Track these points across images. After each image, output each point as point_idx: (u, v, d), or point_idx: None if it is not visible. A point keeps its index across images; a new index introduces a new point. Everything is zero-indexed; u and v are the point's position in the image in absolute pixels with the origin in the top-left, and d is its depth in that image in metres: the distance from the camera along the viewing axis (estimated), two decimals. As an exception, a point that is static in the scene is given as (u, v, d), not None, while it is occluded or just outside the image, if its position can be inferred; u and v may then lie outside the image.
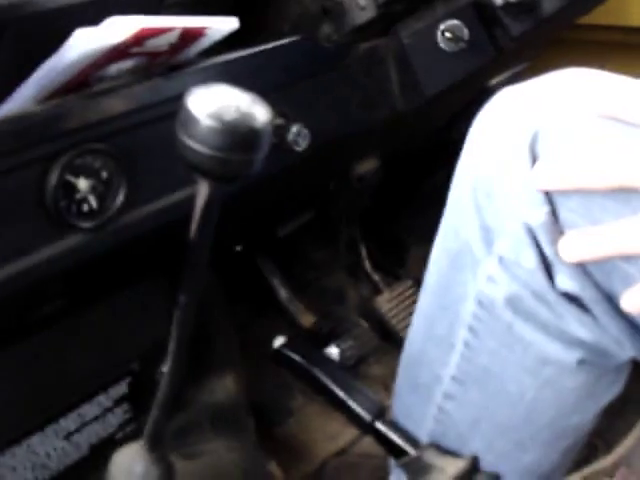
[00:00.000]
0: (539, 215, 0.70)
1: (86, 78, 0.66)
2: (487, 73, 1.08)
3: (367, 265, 1.46)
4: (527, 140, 0.71)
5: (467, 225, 0.79)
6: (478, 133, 0.80)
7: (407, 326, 0.93)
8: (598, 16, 1.30)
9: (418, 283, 1.50)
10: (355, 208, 1.12)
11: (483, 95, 1.13)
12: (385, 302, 1.37)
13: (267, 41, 0.82)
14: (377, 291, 1.44)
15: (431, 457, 0.93)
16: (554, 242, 0.69)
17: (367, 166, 1.04)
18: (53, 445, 0.87)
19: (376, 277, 1.45)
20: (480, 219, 0.77)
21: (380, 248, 1.52)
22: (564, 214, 0.69)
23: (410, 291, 1.40)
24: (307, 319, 1.31)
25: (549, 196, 0.70)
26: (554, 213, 0.70)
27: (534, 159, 0.71)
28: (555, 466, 0.90)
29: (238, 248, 1.22)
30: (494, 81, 1.14)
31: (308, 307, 1.35)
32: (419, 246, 1.53)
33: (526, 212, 0.71)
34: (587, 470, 1.14)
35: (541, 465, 0.89)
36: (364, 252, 1.46)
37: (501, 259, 0.75)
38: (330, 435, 1.30)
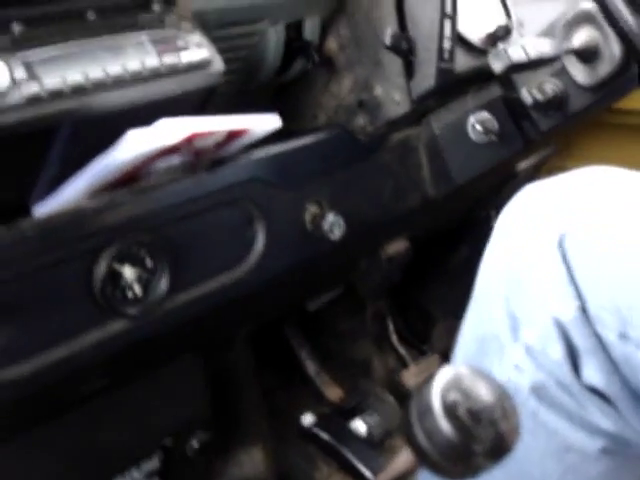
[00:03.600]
0: (569, 310, 0.72)
1: (136, 173, 0.69)
2: (515, 160, 1.11)
3: (394, 338, 1.47)
4: (555, 239, 0.74)
5: (494, 313, 0.81)
6: (507, 225, 0.82)
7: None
8: (627, 101, 1.32)
9: (445, 358, 1.52)
10: (384, 286, 1.14)
11: (510, 178, 1.17)
12: (411, 376, 1.38)
13: (303, 133, 0.86)
14: (403, 365, 1.45)
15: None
16: (584, 337, 0.71)
17: (397, 247, 1.07)
18: (87, 517, 0.89)
19: (402, 350, 1.46)
20: (508, 308, 0.79)
21: (407, 321, 1.54)
22: (595, 310, 0.71)
23: (436, 366, 1.41)
24: (333, 392, 1.32)
25: (579, 292, 0.72)
26: (584, 308, 0.72)
27: (563, 257, 0.73)
28: None
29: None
30: (522, 165, 1.17)
31: (334, 379, 1.36)
32: (445, 319, 1.54)
33: (556, 307, 0.73)
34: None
35: None
36: (391, 325, 1.48)
37: (528, 348, 0.77)
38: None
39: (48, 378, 0.66)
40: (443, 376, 0.45)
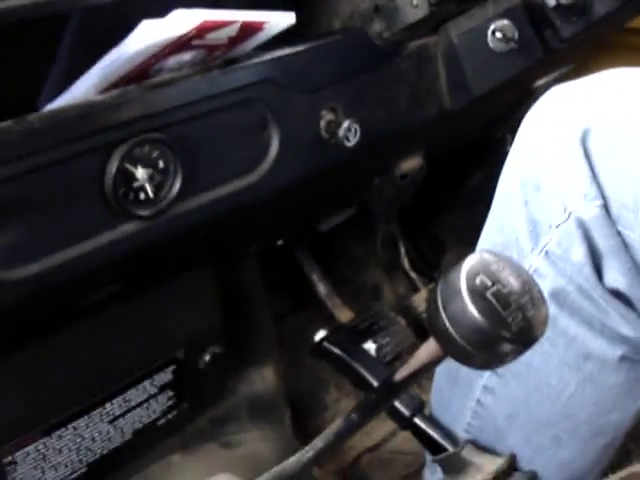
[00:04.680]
0: (592, 209, 0.70)
1: (146, 69, 0.67)
2: (534, 74, 1.08)
3: (405, 263, 1.46)
4: (578, 136, 0.72)
5: (514, 219, 0.79)
6: (528, 129, 0.81)
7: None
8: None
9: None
10: (396, 205, 1.12)
11: (528, 96, 1.14)
12: (422, 300, 1.37)
13: (318, 37, 0.83)
14: (414, 290, 1.45)
15: (469, 454, 0.94)
16: (606, 237, 0.70)
17: (411, 164, 1.05)
18: (98, 429, 0.89)
19: (413, 275, 1.46)
20: (527, 213, 0.78)
21: (418, 249, 1.53)
22: (617, 209, 0.70)
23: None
24: (344, 314, 1.32)
25: (601, 190, 0.70)
26: (606, 207, 0.70)
27: (586, 154, 0.71)
28: (591, 464, 0.90)
29: (279, 242, 1.23)
30: (540, 82, 1.14)
31: (345, 302, 1.35)
32: (456, 247, 1.53)
33: (578, 206, 0.71)
34: (622, 473, 1.14)
35: (577, 462, 0.89)
36: (402, 250, 1.47)
37: (548, 253, 0.75)
38: (364, 430, 1.31)
39: (58, 278, 0.65)
40: (470, 261, 0.44)
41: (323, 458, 0.57)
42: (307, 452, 0.56)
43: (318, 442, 0.56)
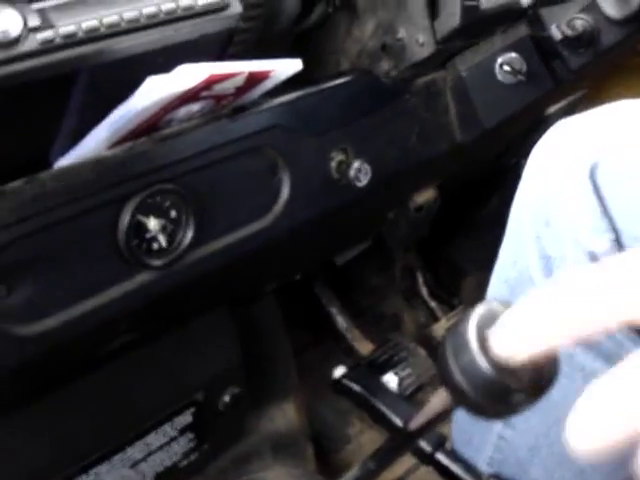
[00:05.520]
0: (603, 242, 0.70)
1: (156, 122, 0.68)
2: (545, 103, 1.08)
3: (424, 291, 1.46)
4: (586, 169, 0.72)
5: (526, 254, 0.79)
6: (537, 163, 0.81)
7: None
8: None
9: (475, 310, 1.50)
10: (413, 237, 1.12)
11: (540, 123, 1.14)
12: (442, 329, 1.37)
13: (326, 79, 0.84)
14: (434, 318, 1.44)
15: (492, 489, 0.93)
16: None
17: (425, 196, 1.05)
18: (120, 474, 0.89)
19: (433, 304, 1.45)
20: (539, 248, 0.77)
21: (436, 276, 1.52)
22: (629, 242, 0.69)
23: (467, 318, 1.39)
24: (364, 347, 1.32)
25: (612, 224, 0.70)
26: (618, 241, 0.70)
27: (595, 188, 0.71)
28: (614, 496, 0.89)
29: (297, 277, 1.24)
30: (551, 110, 1.14)
31: (365, 334, 1.35)
32: (475, 272, 1.53)
33: (589, 240, 0.71)
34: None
35: (600, 494, 0.88)
36: (421, 279, 1.47)
37: None
38: (388, 463, 1.30)
39: (75, 332, 0.65)
40: (478, 311, 0.44)
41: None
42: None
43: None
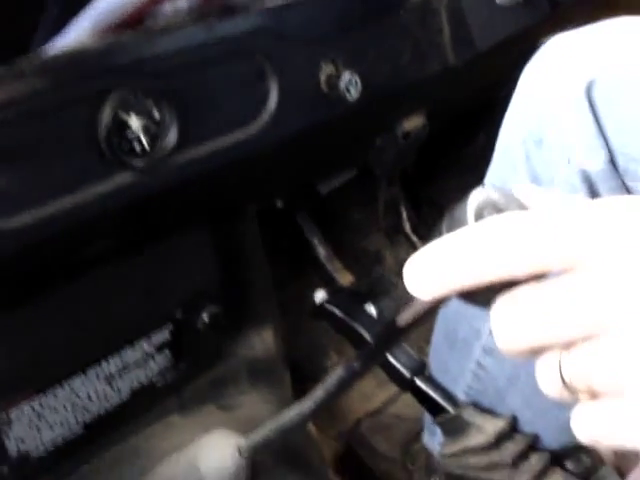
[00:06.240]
0: (597, 162, 0.68)
1: (141, 15, 0.65)
2: (540, 32, 1.06)
3: (407, 227, 1.45)
4: (582, 87, 0.70)
5: (515, 175, 0.78)
6: (530, 80, 0.78)
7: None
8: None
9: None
10: (398, 166, 1.10)
11: (534, 54, 1.12)
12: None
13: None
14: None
15: (470, 415, 0.93)
16: (613, 190, 0.68)
17: (414, 123, 1.03)
18: (95, 388, 0.87)
19: (415, 239, 1.44)
20: (529, 169, 0.76)
21: (420, 212, 1.51)
22: (623, 163, 0.68)
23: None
24: (345, 278, 1.30)
25: (607, 143, 0.68)
26: (612, 160, 0.69)
27: (591, 106, 0.69)
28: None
29: (279, 205, 1.22)
30: (546, 40, 1.11)
31: (346, 266, 1.34)
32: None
33: (583, 159, 0.69)
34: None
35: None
36: (404, 215, 1.45)
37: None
38: (364, 395, 1.30)
39: (51, 229, 0.63)
40: (476, 196, 0.42)
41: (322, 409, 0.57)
42: (307, 402, 0.55)
43: (318, 392, 0.55)
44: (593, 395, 0.38)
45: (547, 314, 0.37)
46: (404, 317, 0.51)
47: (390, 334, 0.52)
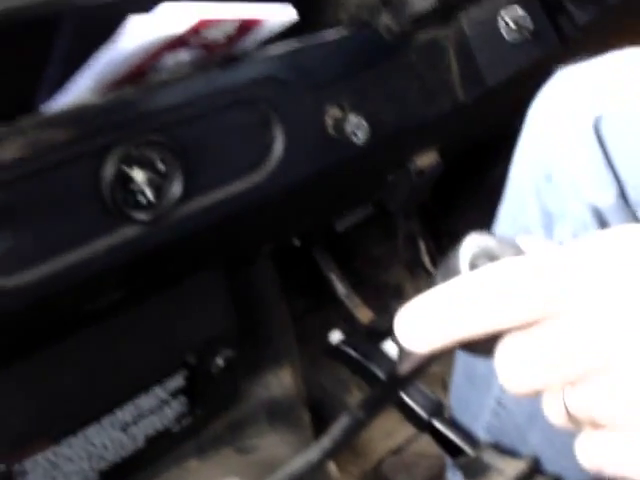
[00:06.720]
0: (608, 197, 0.67)
1: (143, 69, 0.65)
2: (550, 64, 1.05)
3: (426, 260, 1.44)
4: (590, 121, 0.69)
5: (526, 211, 0.77)
6: (538, 114, 0.78)
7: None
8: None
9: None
10: (413, 202, 1.10)
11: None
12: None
13: (323, 31, 0.81)
14: (436, 287, 1.42)
15: (490, 458, 0.91)
16: (624, 224, 0.67)
17: (427, 160, 1.02)
18: (110, 436, 0.87)
19: (434, 271, 1.43)
20: (540, 204, 0.75)
21: (439, 247, 1.50)
22: (634, 195, 0.67)
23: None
24: (364, 314, 1.30)
25: (617, 177, 0.68)
26: (623, 194, 0.68)
27: (599, 140, 0.69)
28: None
29: (296, 243, 1.21)
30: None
31: (365, 302, 1.33)
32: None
33: (593, 194, 0.68)
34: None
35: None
36: (423, 247, 1.44)
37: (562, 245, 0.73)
38: (386, 432, 1.29)
39: (57, 285, 0.63)
40: (470, 243, 0.42)
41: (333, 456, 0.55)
42: (313, 452, 0.54)
43: (325, 442, 0.54)
44: (596, 426, 0.40)
45: (546, 358, 0.38)
46: (404, 367, 0.50)
47: (399, 377, 0.51)
